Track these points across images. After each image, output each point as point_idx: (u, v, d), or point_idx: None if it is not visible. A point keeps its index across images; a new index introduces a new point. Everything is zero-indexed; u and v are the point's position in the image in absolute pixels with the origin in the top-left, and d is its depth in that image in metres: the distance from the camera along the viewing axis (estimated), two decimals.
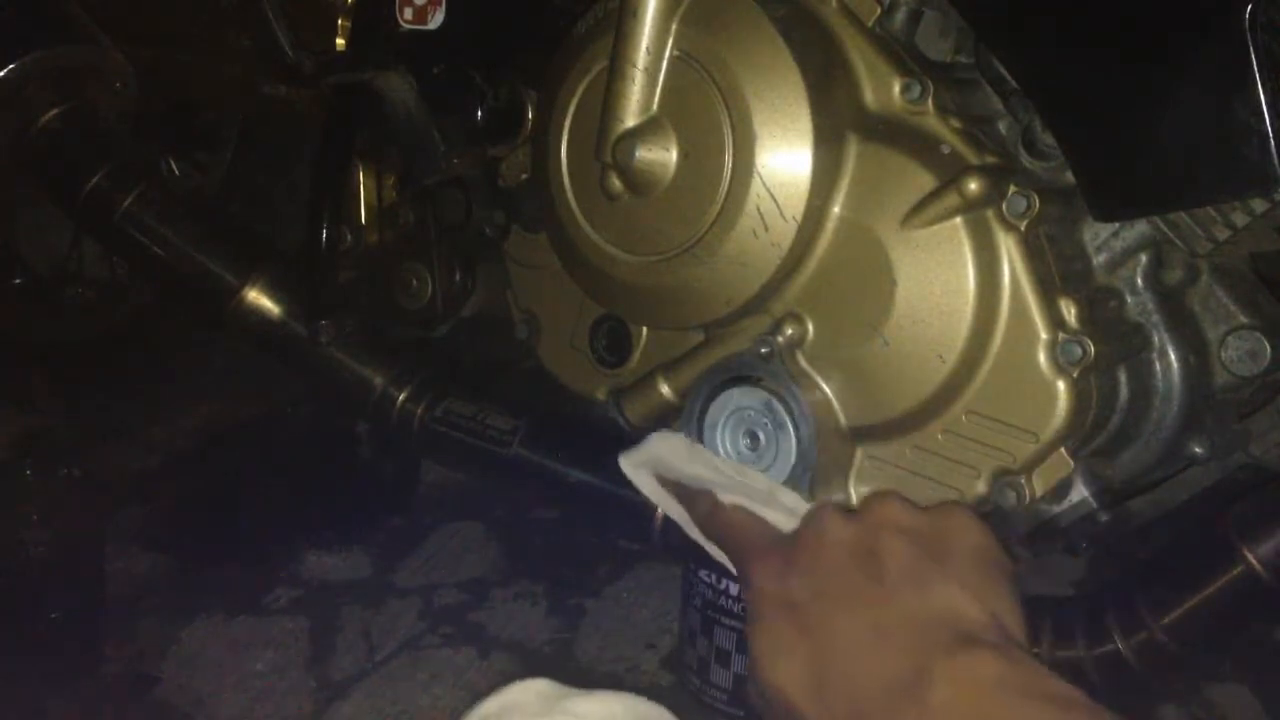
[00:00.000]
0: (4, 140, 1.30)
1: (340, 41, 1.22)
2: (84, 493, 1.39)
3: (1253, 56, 0.69)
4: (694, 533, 0.78)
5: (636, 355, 1.00)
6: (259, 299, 1.18)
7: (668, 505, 0.81)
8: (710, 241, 0.86)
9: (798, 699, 0.63)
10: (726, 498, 0.76)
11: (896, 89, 0.84)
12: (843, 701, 0.61)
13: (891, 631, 0.61)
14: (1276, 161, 0.69)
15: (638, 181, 0.89)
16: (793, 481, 0.85)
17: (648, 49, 0.88)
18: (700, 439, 0.90)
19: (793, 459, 0.86)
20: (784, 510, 0.75)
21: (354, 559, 1.58)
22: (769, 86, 0.84)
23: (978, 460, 0.82)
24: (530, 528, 1.65)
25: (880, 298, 0.84)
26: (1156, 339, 0.84)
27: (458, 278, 1.15)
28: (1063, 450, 0.81)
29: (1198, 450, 0.86)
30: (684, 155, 0.88)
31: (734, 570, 0.74)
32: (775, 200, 0.84)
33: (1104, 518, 0.84)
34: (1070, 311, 0.80)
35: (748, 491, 0.77)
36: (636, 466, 0.82)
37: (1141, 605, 0.86)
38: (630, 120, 0.89)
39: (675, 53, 0.88)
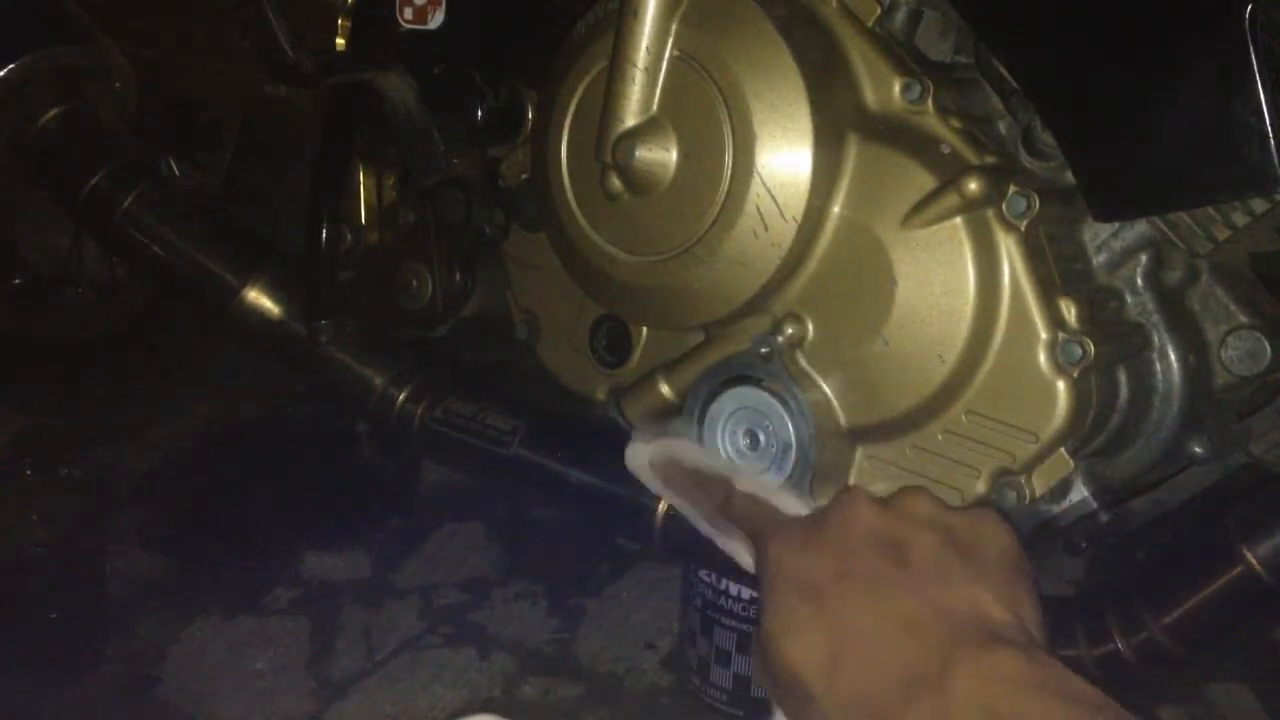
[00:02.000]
0: (4, 140, 1.30)
1: (340, 41, 1.22)
2: (84, 493, 1.39)
3: (1253, 56, 0.69)
4: (702, 524, 0.77)
5: (636, 355, 1.00)
6: (259, 299, 1.18)
7: (673, 496, 0.80)
8: (710, 241, 0.87)
9: (809, 677, 0.62)
10: (744, 484, 0.75)
11: (896, 89, 0.84)
12: (856, 685, 0.60)
13: (914, 621, 0.60)
14: (1276, 161, 0.69)
15: (638, 181, 0.89)
16: (793, 481, 0.85)
17: (648, 49, 0.88)
18: (701, 439, 0.90)
19: (793, 459, 0.86)
20: (798, 501, 0.75)
21: (354, 559, 1.58)
22: (769, 86, 0.84)
23: (978, 460, 0.83)
24: (530, 528, 1.65)
25: (880, 298, 0.84)
26: (1156, 339, 0.84)
27: (458, 278, 1.15)
28: (1063, 450, 0.81)
29: (1198, 450, 0.86)
30: (684, 155, 0.88)
31: (746, 558, 0.73)
32: (775, 200, 0.84)
33: (1104, 518, 0.84)
34: (1070, 311, 0.80)
35: (762, 482, 0.77)
36: (641, 458, 0.82)
37: (1141, 605, 0.86)
38: (630, 120, 0.89)
39: (675, 53, 0.88)
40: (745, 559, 0.74)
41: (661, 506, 0.99)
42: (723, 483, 0.76)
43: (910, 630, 0.60)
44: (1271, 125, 0.69)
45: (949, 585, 0.62)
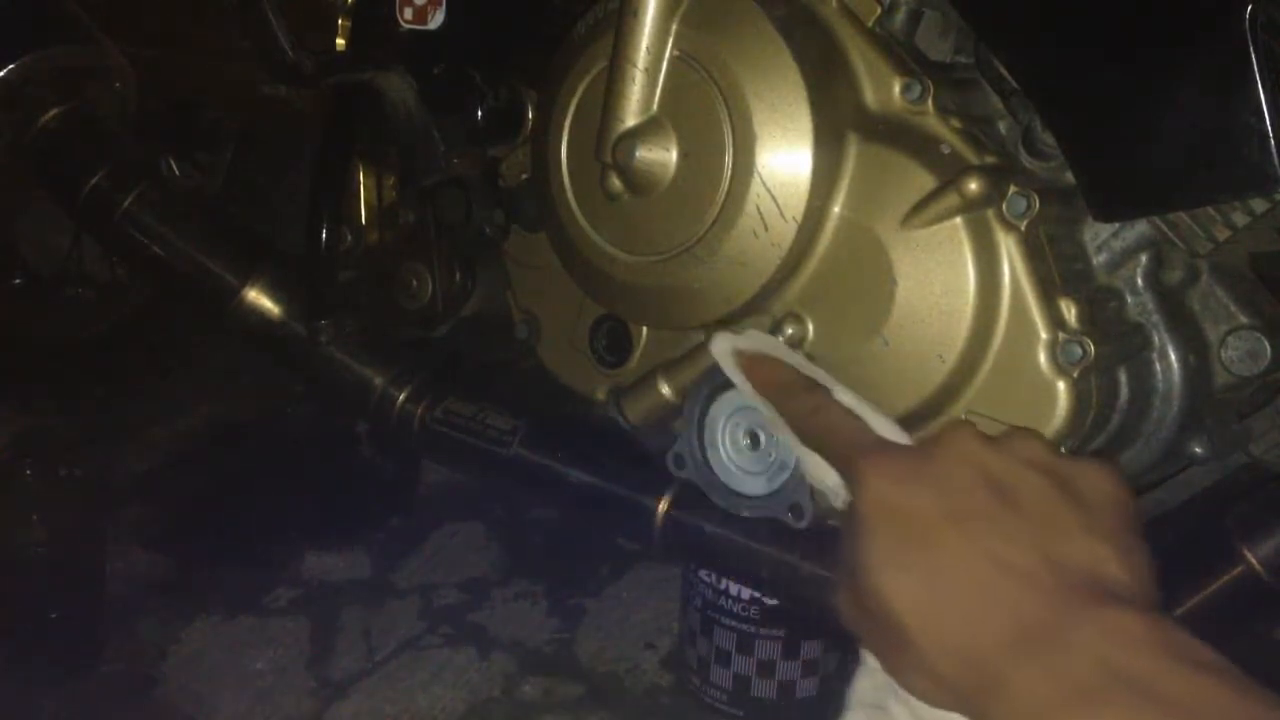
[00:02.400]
0: (4, 140, 1.30)
1: (340, 41, 1.22)
2: (84, 493, 1.39)
3: (1253, 56, 0.69)
4: (782, 429, 0.72)
5: (636, 355, 1.00)
6: (259, 299, 1.18)
7: (755, 396, 0.75)
8: (710, 241, 0.86)
9: (909, 620, 0.58)
10: (842, 396, 0.70)
11: (896, 89, 0.84)
12: (962, 634, 0.57)
13: (1028, 571, 0.57)
14: (1276, 161, 0.69)
15: (638, 181, 0.89)
16: (793, 481, 0.85)
17: (648, 49, 0.88)
18: (701, 439, 0.90)
19: (793, 459, 0.86)
20: (901, 433, 0.69)
21: (354, 559, 1.58)
22: (769, 86, 0.84)
23: None
24: (530, 528, 1.65)
25: (880, 298, 0.83)
26: (1156, 339, 0.84)
27: (458, 278, 1.15)
28: (1063, 450, 0.81)
29: (1198, 450, 0.86)
30: (684, 155, 0.88)
31: (828, 476, 0.68)
32: (775, 200, 0.84)
33: None
34: (1070, 311, 0.80)
35: (863, 402, 0.71)
36: (726, 345, 0.77)
37: None
38: (630, 120, 0.89)
39: (675, 53, 0.88)
40: (826, 476, 0.69)
41: (662, 507, 0.99)
42: (817, 390, 0.71)
43: (1024, 581, 0.57)
44: (1271, 125, 0.69)
45: (1065, 537, 0.58)
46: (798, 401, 0.73)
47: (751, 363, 0.76)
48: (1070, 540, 0.58)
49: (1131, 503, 0.62)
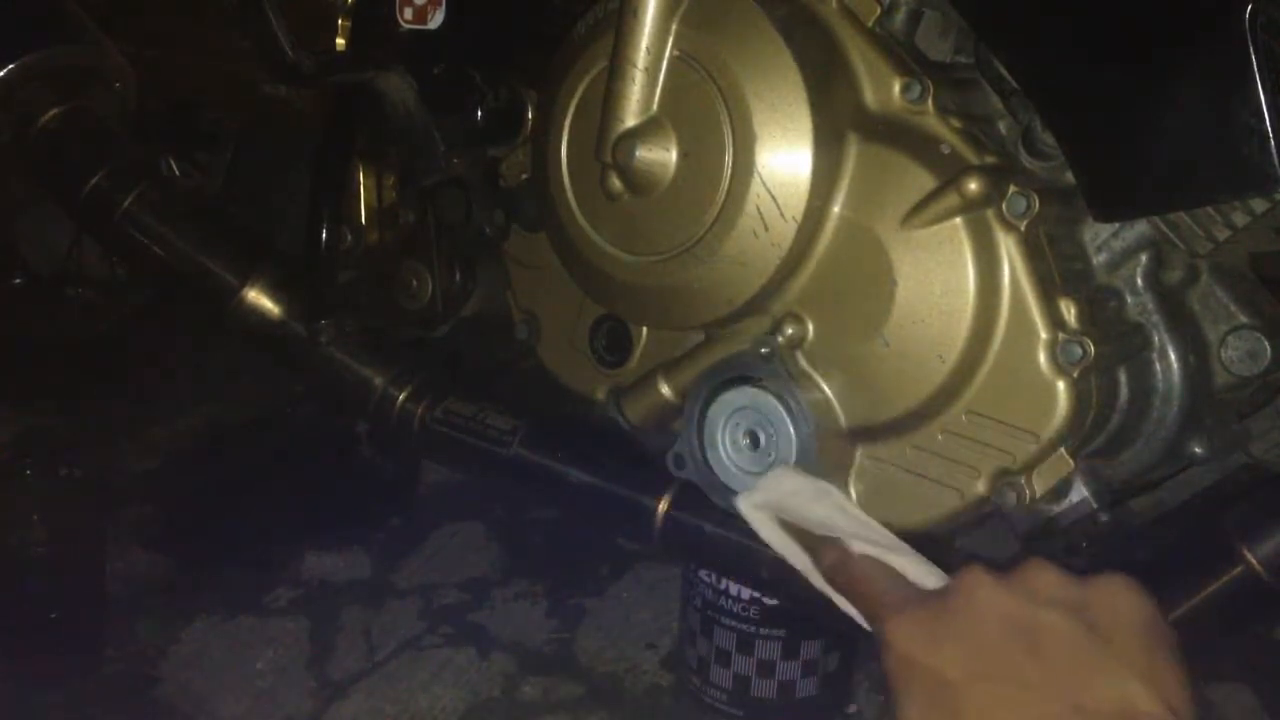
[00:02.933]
0: (4, 140, 1.30)
1: (340, 41, 1.22)
2: (84, 493, 1.39)
3: (1253, 56, 0.69)
4: (819, 582, 0.73)
5: (636, 355, 1.00)
6: (259, 299, 1.18)
7: (789, 551, 0.76)
8: (710, 241, 0.86)
9: None
10: (857, 546, 0.71)
11: (896, 89, 0.84)
12: None
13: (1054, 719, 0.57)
14: (1276, 161, 0.69)
15: (638, 181, 0.89)
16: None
17: (648, 49, 0.88)
18: (701, 439, 0.90)
19: (793, 459, 0.86)
20: (917, 563, 0.70)
21: (354, 559, 1.58)
22: (769, 86, 0.84)
23: (978, 460, 0.82)
24: (530, 528, 1.65)
25: (880, 298, 0.84)
26: (1156, 339, 0.84)
27: (458, 278, 1.15)
28: (1063, 450, 0.81)
29: (1198, 450, 0.86)
30: (684, 155, 0.88)
31: (865, 625, 0.69)
32: (775, 200, 0.84)
33: (1104, 518, 0.84)
34: (1070, 311, 0.80)
35: (877, 539, 0.73)
36: (756, 508, 0.78)
37: None
38: (630, 120, 0.89)
39: (675, 53, 0.88)
40: (862, 621, 0.70)
41: (661, 507, 0.99)
42: (834, 544, 0.72)
43: None
44: (1271, 125, 0.69)
45: (1089, 678, 0.58)
46: (822, 553, 0.73)
47: (773, 521, 0.77)
48: (1097, 682, 0.58)
49: (1156, 618, 0.61)
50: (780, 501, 0.78)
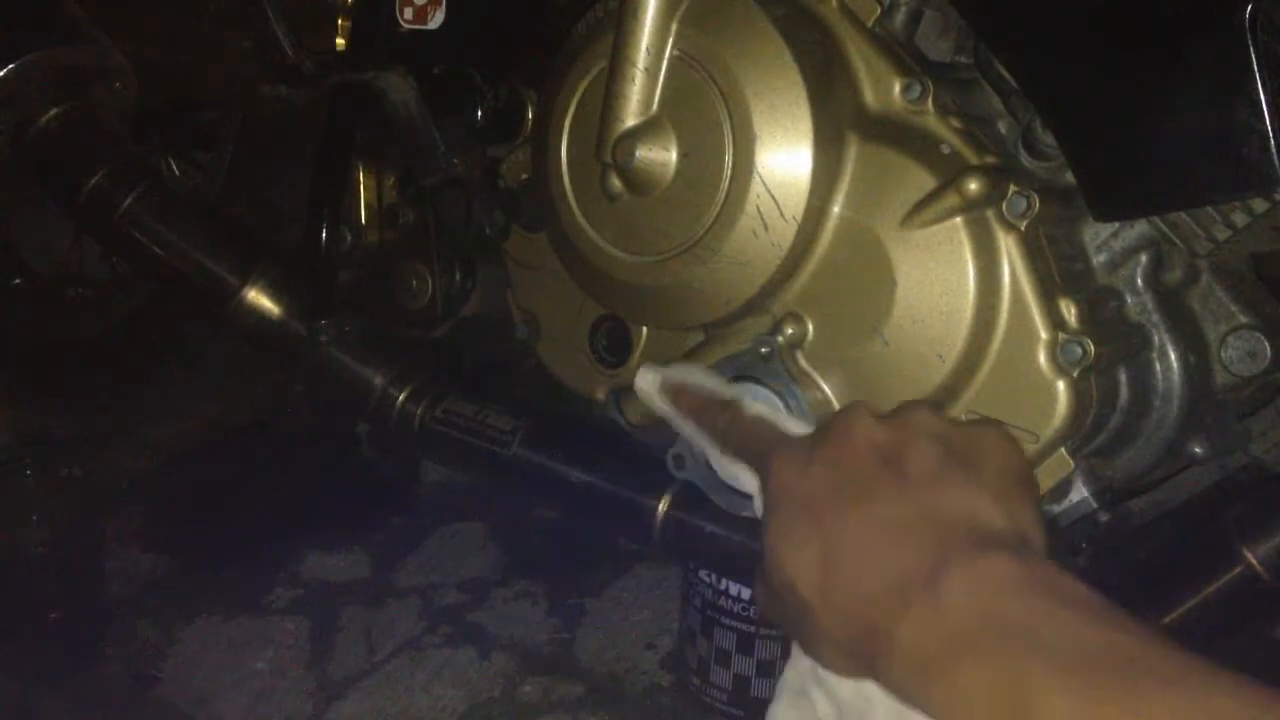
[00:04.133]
0: (4, 140, 1.30)
1: (340, 41, 1.22)
2: (84, 493, 1.39)
3: (1253, 56, 0.69)
4: (710, 449, 0.76)
5: (636, 355, 1.00)
6: (259, 299, 1.18)
7: (680, 422, 0.78)
8: (710, 241, 0.86)
9: (805, 591, 0.61)
10: (751, 408, 0.74)
11: (896, 89, 0.84)
12: (849, 594, 0.59)
13: (906, 527, 0.59)
14: (1276, 161, 0.69)
15: (638, 181, 0.89)
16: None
17: (648, 49, 0.88)
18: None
19: None
20: (806, 425, 0.74)
21: (354, 559, 1.58)
22: (769, 86, 0.84)
23: None
24: (530, 528, 1.65)
25: (880, 298, 0.84)
26: (1156, 339, 0.84)
27: (458, 278, 1.15)
28: (1063, 450, 0.81)
29: (1198, 450, 0.86)
30: (684, 155, 0.88)
31: (750, 484, 0.72)
32: (775, 200, 0.84)
33: (1104, 518, 0.84)
34: (1070, 311, 0.80)
35: (770, 406, 0.76)
36: (649, 380, 0.80)
37: (1141, 605, 0.86)
38: (630, 120, 0.89)
39: (675, 53, 0.88)
40: (749, 484, 0.72)
41: (661, 507, 0.99)
42: (730, 405, 0.75)
43: (901, 536, 0.59)
44: (1271, 125, 0.69)
45: (943, 489, 0.61)
46: (716, 418, 0.76)
47: (673, 394, 0.79)
48: (950, 490, 0.61)
49: (1020, 460, 0.65)
50: (676, 376, 0.80)
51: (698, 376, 0.81)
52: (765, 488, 0.68)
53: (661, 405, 0.79)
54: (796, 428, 0.73)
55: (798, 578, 0.61)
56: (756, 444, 0.72)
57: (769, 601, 0.66)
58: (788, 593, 0.62)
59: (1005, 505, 0.60)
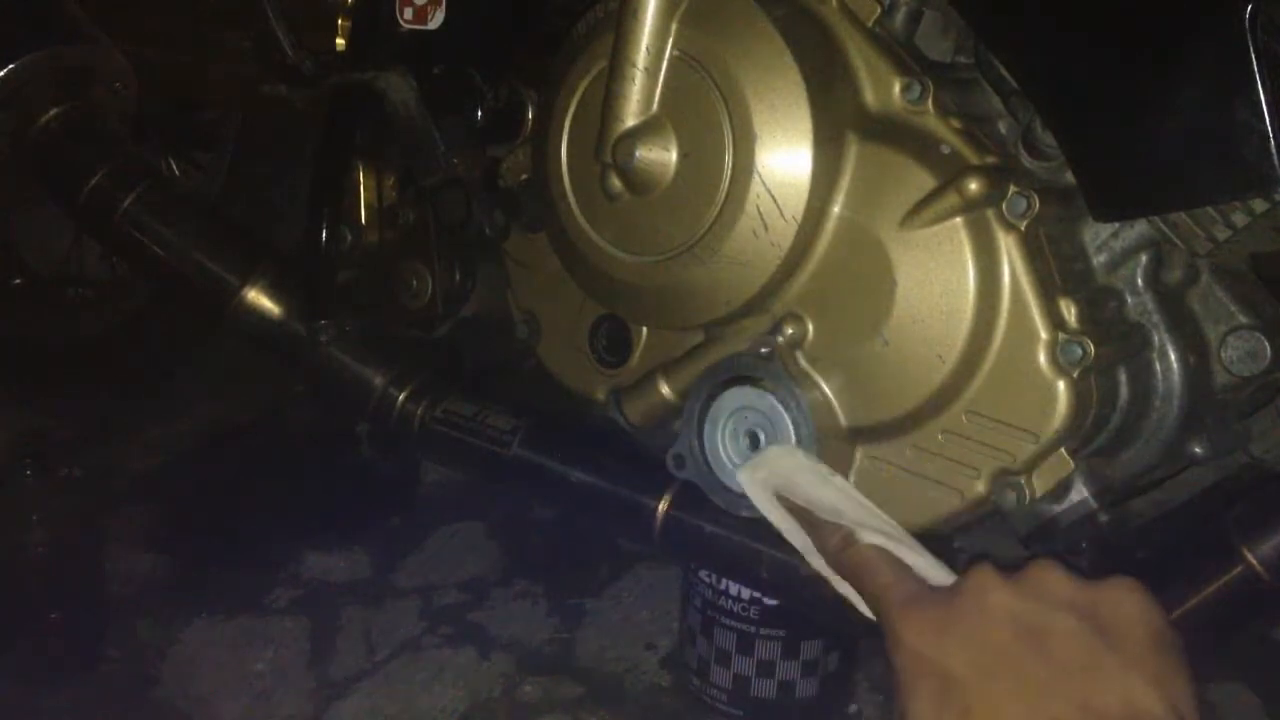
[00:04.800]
0: (4, 140, 1.30)
1: (340, 41, 1.22)
2: (84, 493, 1.39)
3: (1253, 56, 0.69)
4: (818, 563, 0.73)
5: (636, 355, 1.00)
6: (259, 299, 1.18)
7: (789, 529, 0.75)
8: (710, 241, 0.86)
9: None
10: (866, 535, 0.70)
11: (896, 89, 0.84)
12: None
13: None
14: (1276, 161, 0.69)
15: (638, 181, 0.89)
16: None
17: (648, 49, 0.88)
18: (701, 439, 0.90)
19: None
20: (924, 558, 0.70)
21: (354, 559, 1.58)
22: (769, 86, 0.84)
23: (978, 460, 0.82)
24: (530, 528, 1.65)
25: (880, 298, 0.84)
26: (1156, 339, 0.84)
27: (458, 278, 1.15)
28: (1063, 450, 0.81)
29: (1198, 450, 0.86)
30: (684, 155, 0.88)
31: (865, 611, 0.69)
32: (775, 200, 0.84)
33: (1104, 518, 0.84)
34: (1070, 311, 0.80)
35: (885, 529, 0.71)
36: (757, 481, 0.77)
37: None
38: (630, 120, 0.89)
39: (675, 53, 0.88)
40: (859, 606, 0.70)
41: (661, 507, 0.99)
42: (840, 529, 0.72)
43: None
44: (1271, 125, 0.69)
45: (1097, 679, 0.58)
46: (828, 538, 0.73)
47: (783, 495, 0.76)
48: (1104, 684, 0.58)
49: (1163, 621, 0.62)
50: (782, 479, 0.77)
51: (806, 476, 0.76)
52: (891, 647, 0.65)
53: (772, 513, 0.76)
54: (916, 561, 0.69)
55: None
56: (875, 582, 0.68)
57: None
58: None
59: (1160, 687, 0.58)
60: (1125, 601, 0.62)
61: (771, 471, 0.78)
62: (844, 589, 0.71)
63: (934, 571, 0.68)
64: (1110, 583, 0.63)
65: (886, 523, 0.73)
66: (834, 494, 0.76)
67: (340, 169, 1.14)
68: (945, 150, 0.82)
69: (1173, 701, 0.58)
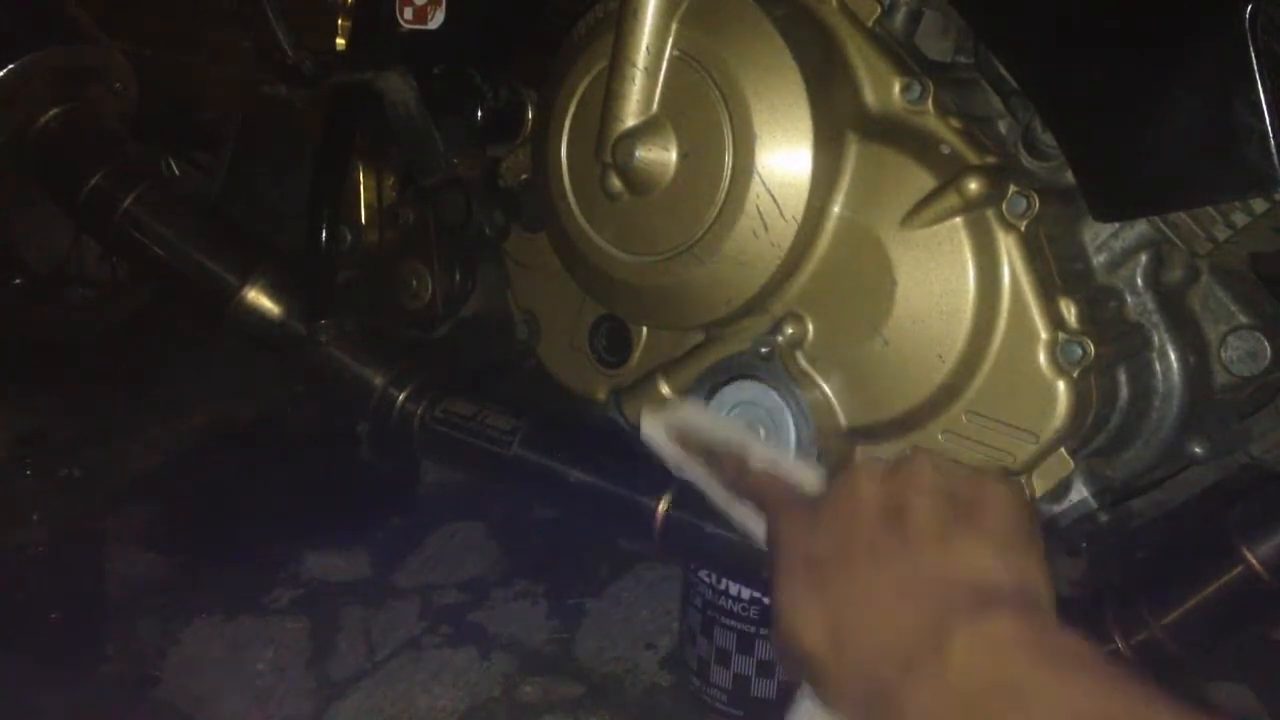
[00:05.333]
0: (4, 140, 1.30)
1: (340, 41, 1.22)
2: (84, 493, 1.39)
3: (1253, 56, 0.69)
4: (716, 494, 0.78)
5: (636, 355, 1.00)
6: (259, 299, 1.18)
7: (686, 465, 0.81)
8: (710, 241, 0.86)
9: (816, 652, 0.63)
10: (757, 459, 0.76)
11: (896, 89, 0.84)
12: (856, 655, 0.61)
13: (910, 588, 0.61)
14: (1276, 161, 0.69)
15: (638, 181, 0.89)
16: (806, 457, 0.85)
17: (648, 49, 0.88)
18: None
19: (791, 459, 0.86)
20: (814, 477, 0.76)
21: (354, 559, 1.58)
22: (769, 86, 0.84)
23: (978, 460, 0.82)
24: (530, 528, 1.65)
25: (880, 298, 0.84)
26: (1156, 339, 0.84)
27: (458, 278, 1.15)
28: (1063, 450, 0.81)
29: (1198, 450, 0.86)
30: (684, 155, 0.88)
31: (758, 530, 0.74)
32: (775, 200, 0.84)
33: (1104, 518, 0.84)
34: (1070, 311, 0.80)
35: (771, 453, 0.78)
36: (655, 425, 0.82)
37: (1141, 605, 0.86)
38: (630, 120, 0.89)
39: (675, 53, 0.88)
40: (757, 531, 0.74)
41: (661, 506, 0.99)
42: (737, 455, 0.77)
43: (905, 597, 0.61)
44: (1271, 125, 0.69)
45: (945, 548, 0.62)
46: (721, 469, 0.78)
47: (680, 439, 0.82)
48: (952, 549, 0.62)
49: (1023, 508, 0.66)
50: (681, 421, 0.82)
51: (701, 419, 0.82)
52: (770, 542, 0.70)
53: (669, 452, 0.81)
54: (804, 479, 0.75)
55: (806, 637, 0.63)
56: (764, 495, 0.75)
57: (783, 653, 0.68)
58: (799, 651, 0.64)
59: (1009, 559, 0.61)
60: (986, 485, 0.66)
61: (671, 417, 0.83)
62: (742, 519, 0.77)
63: (818, 482, 0.74)
64: (977, 473, 0.68)
65: (775, 450, 0.81)
66: (725, 430, 0.82)
67: (340, 169, 1.14)
68: (945, 150, 0.82)
69: (1020, 573, 0.61)
